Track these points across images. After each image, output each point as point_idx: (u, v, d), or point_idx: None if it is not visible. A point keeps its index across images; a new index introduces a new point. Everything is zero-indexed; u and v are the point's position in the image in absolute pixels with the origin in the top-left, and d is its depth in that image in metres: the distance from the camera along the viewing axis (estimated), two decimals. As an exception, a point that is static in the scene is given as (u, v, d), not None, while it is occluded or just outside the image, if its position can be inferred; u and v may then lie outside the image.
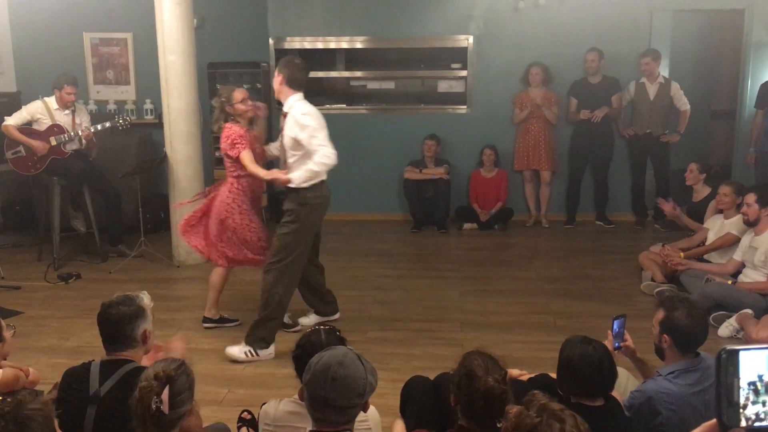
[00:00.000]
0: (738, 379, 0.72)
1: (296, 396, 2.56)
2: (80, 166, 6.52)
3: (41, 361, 4.36)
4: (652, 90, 7.41)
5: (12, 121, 6.37)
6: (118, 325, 2.72)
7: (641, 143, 7.58)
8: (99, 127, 6.48)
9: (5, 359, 3.14)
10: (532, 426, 1.82)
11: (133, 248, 6.59)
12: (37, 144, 6.32)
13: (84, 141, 6.47)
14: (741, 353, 0.72)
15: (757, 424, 0.72)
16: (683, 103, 7.38)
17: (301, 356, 2.58)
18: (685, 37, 7.86)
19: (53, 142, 6.37)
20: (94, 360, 2.76)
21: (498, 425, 2.33)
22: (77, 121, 6.53)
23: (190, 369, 2.28)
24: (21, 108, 6.57)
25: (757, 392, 0.72)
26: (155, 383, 2.14)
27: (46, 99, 6.48)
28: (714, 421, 0.73)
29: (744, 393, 0.72)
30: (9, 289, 5.86)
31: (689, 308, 2.96)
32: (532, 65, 7.66)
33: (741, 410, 0.71)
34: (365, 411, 2.27)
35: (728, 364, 0.72)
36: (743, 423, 0.72)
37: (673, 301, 3.04)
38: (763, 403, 0.72)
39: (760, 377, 0.72)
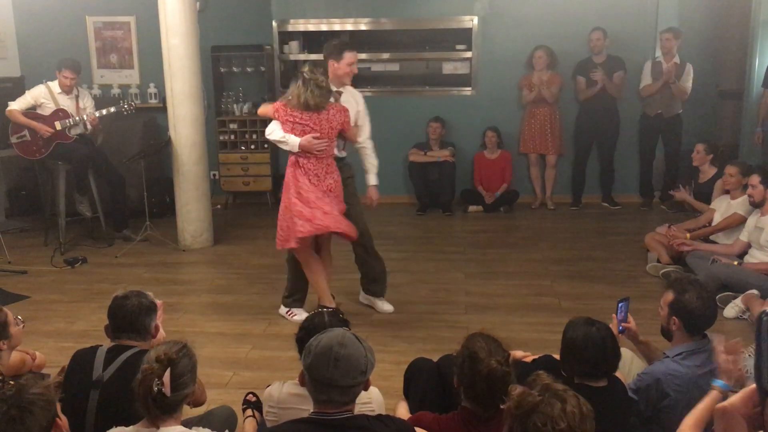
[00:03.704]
0: None
1: (297, 380, 2.57)
2: (85, 151, 6.52)
3: (48, 345, 4.38)
4: (666, 72, 7.34)
5: (16, 105, 6.37)
6: (134, 315, 2.78)
7: (652, 124, 7.53)
8: (104, 112, 6.48)
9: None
10: (534, 404, 1.82)
11: (139, 232, 6.60)
12: (41, 126, 6.32)
13: (90, 126, 6.46)
14: None
15: None
16: (686, 83, 7.35)
17: (304, 339, 2.57)
18: (692, 16, 7.76)
19: (58, 127, 6.36)
20: (102, 345, 2.79)
21: (501, 407, 2.33)
22: (81, 105, 6.52)
23: (193, 352, 2.30)
24: (25, 93, 6.55)
25: None
26: (157, 366, 2.16)
27: (49, 83, 6.47)
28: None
29: None
30: (15, 274, 5.88)
31: (699, 290, 2.94)
32: (536, 48, 7.61)
33: None
34: (366, 390, 2.28)
35: None
36: None
37: (682, 283, 3.02)
38: None
39: None
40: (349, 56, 4.68)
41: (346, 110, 4.58)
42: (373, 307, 5.05)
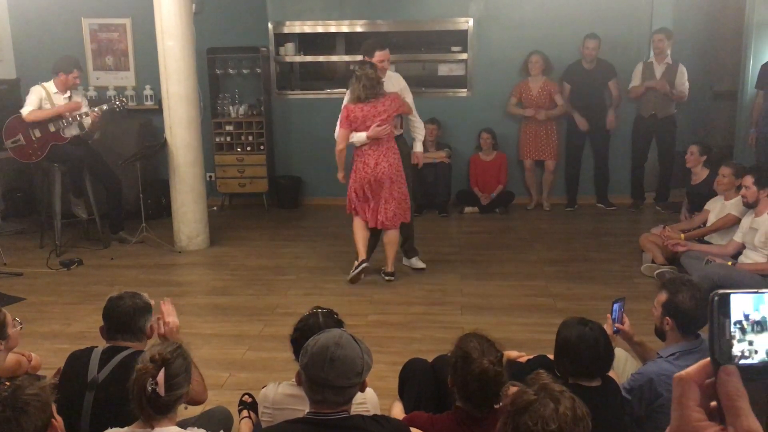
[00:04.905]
0: (729, 319, 0.76)
1: (294, 380, 2.57)
2: (80, 153, 6.51)
3: (43, 346, 4.38)
4: (659, 71, 7.36)
5: (30, 107, 6.31)
6: (131, 317, 2.79)
7: (646, 125, 7.53)
8: (96, 110, 6.46)
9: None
10: (528, 403, 1.83)
11: (135, 234, 6.60)
12: (65, 107, 6.32)
13: (90, 121, 6.41)
14: (732, 296, 0.76)
15: (742, 361, 0.76)
16: (682, 85, 7.35)
17: (299, 339, 2.59)
18: (686, 18, 7.79)
19: (52, 129, 6.34)
20: (97, 347, 2.79)
21: (495, 406, 2.34)
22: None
23: (188, 352, 2.30)
24: (28, 98, 6.38)
25: (743, 330, 0.76)
26: (151, 365, 2.16)
27: (45, 84, 6.43)
28: (708, 359, 0.78)
29: (731, 332, 0.76)
30: (11, 276, 5.88)
31: (693, 291, 2.95)
32: (531, 53, 7.62)
33: (731, 348, 0.76)
34: (362, 391, 2.28)
35: (719, 306, 0.76)
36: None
37: (676, 284, 3.03)
38: (750, 342, 0.76)
39: (746, 316, 0.76)
40: (379, 54, 5.51)
41: (397, 96, 5.44)
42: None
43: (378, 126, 5.28)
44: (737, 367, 0.75)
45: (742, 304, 0.76)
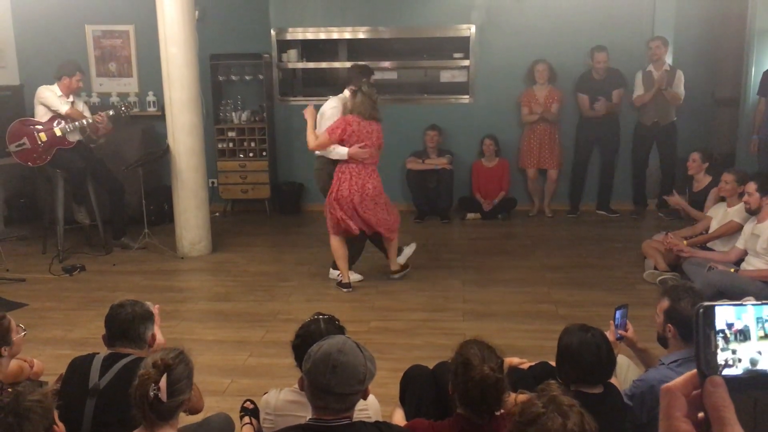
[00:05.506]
0: (714, 330, 0.77)
1: (296, 385, 2.57)
2: (83, 160, 6.52)
3: (45, 352, 4.37)
4: (658, 78, 7.38)
5: (65, 104, 6.33)
6: (131, 324, 2.79)
7: (647, 133, 7.56)
8: (103, 114, 6.47)
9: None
10: (536, 415, 1.81)
11: (137, 240, 6.61)
12: (96, 117, 6.40)
13: (100, 125, 6.42)
14: (717, 308, 0.77)
15: (726, 371, 0.76)
16: (678, 89, 7.38)
17: (300, 346, 2.59)
18: (688, 25, 7.80)
19: (58, 133, 6.36)
20: (98, 353, 2.79)
21: (496, 413, 2.34)
22: (79, 109, 6.52)
23: (189, 358, 2.31)
24: (48, 100, 6.34)
25: (726, 340, 0.77)
26: (153, 371, 2.17)
27: (50, 87, 6.43)
28: (695, 371, 0.79)
29: (716, 343, 0.77)
30: (14, 282, 5.89)
31: (695, 298, 2.95)
32: (537, 62, 7.63)
33: (716, 359, 0.77)
34: (365, 398, 2.28)
35: (705, 317, 0.77)
36: None
37: (678, 291, 3.02)
38: (733, 351, 0.76)
39: (729, 326, 0.77)
40: (372, 77, 5.72)
41: (381, 128, 5.45)
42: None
43: (360, 147, 5.27)
44: (723, 378, 0.76)
45: (725, 315, 0.77)
